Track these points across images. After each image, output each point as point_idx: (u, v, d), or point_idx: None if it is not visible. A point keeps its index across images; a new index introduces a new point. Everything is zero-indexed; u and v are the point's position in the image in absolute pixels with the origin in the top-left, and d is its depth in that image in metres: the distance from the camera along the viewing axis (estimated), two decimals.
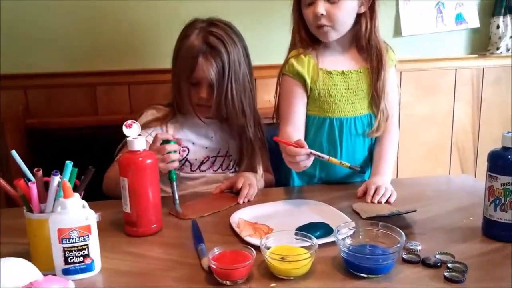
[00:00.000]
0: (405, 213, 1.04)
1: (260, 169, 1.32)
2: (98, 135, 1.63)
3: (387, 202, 1.15)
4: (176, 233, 1.01)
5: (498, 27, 1.87)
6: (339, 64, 1.31)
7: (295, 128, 1.27)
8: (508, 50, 1.92)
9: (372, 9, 1.26)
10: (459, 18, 1.90)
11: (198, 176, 1.34)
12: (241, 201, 1.18)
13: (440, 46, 1.92)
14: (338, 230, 0.86)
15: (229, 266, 0.78)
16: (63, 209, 0.78)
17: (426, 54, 1.91)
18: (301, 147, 1.06)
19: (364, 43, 1.30)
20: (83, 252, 0.81)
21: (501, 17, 1.87)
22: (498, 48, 1.89)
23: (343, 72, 1.30)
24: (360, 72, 1.31)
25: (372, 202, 1.15)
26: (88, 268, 0.82)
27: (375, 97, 1.31)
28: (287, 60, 1.30)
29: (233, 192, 1.23)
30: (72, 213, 0.79)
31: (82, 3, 1.61)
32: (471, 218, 1.05)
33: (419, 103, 1.94)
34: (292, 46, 1.33)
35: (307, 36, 1.29)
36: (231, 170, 1.38)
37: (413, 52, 1.90)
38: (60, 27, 1.62)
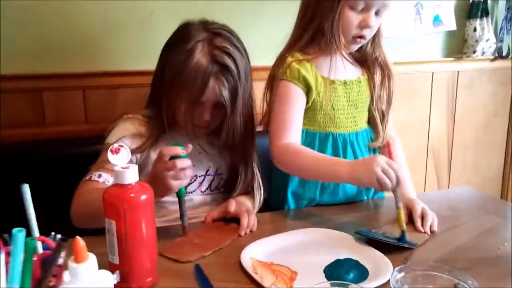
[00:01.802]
0: (407, 246, 0.93)
1: (260, 192, 1.14)
2: (46, 150, 1.36)
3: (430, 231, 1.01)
4: (176, 283, 0.81)
5: (475, 30, 1.84)
6: (339, 72, 1.16)
7: (296, 140, 1.10)
8: (483, 53, 1.89)
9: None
10: (436, 20, 1.84)
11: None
12: (242, 233, 0.99)
13: (417, 49, 1.86)
14: (394, 277, 0.71)
15: None
16: (74, 278, 0.55)
17: (403, 57, 1.83)
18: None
19: (368, 52, 1.19)
20: None
21: (478, 20, 1.84)
22: (474, 51, 1.86)
23: (345, 82, 1.17)
24: (360, 82, 1.19)
25: (425, 231, 1.00)
26: None
27: (379, 107, 1.21)
28: (288, 65, 1.11)
29: (228, 220, 1.05)
30: (86, 283, 0.56)
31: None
32: (506, 244, 0.95)
33: (398, 109, 1.85)
34: (292, 46, 1.16)
35: (312, 39, 1.13)
36: (221, 190, 1.19)
37: (391, 55, 1.80)
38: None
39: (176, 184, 0.90)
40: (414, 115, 1.91)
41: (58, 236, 0.62)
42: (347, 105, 1.16)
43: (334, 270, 0.82)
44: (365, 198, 1.23)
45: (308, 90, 1.12)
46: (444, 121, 1.96)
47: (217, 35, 1.07)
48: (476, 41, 1.84)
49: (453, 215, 1.11)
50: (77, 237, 0.58)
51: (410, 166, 1.92)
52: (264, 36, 1.48)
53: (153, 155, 1.09)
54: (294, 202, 1.19)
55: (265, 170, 1.23)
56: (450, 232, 1.01)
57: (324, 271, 0.83)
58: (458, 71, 1.93)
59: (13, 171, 1.28)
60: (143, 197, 0.76)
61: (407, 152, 1.89)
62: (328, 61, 1.14)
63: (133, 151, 1.03)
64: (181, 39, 1.08)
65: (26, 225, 0.61)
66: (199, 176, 1.16)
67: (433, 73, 1.89)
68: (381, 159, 0.93)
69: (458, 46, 1.91)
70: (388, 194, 1.05)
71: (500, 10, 1.94)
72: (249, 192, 1.17)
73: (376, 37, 1.18)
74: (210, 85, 1.04)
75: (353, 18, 1.07)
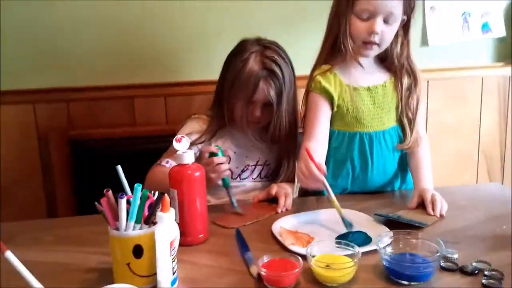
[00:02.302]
0: (417, 226, 1.08)
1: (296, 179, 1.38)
2: (136, 145, 1.72)
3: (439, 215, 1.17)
4: (222, 242, 1.07)
5: None
6: (363, 79, 1.33)
7: (319, 144, 1.29)
8: None
9: (406, 28, 1.29)
10: (485, 27, 1.94)
11: (238, 184, 1.41)
12: (279, 210, 1.23)
13: (466, 54, 1.96)
14: (379, 239, 0.91)
15: (279, 273, 0.84)
16: (161, 223, 0.83)
17: (452, 63, 1.95)
18: (321, 171, 1.10)
19: (394, 60, 1.33)
20: (175, 263, 0.86)
21: None
22: None
23: (368, 88, 1.33)
24: (385, 86, 1.34)
25: (434, 215, 1.16)
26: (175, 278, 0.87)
27: (406, 112, 1.34)
28: (313, 78, 1.33)
29: (269, 200, 1.30)
30: (170, 226, 0.84)
31: (120, 18, 1.70)
32: (504, 227, 1.08)
33: (447, 111, 1.98)
34: (319, 57, 1.36)
35: (332, 49, 1.32)
36: (269, 179, 1.44)
37: (440, 61, 1.94)
38: (98, 41, 1.71)
39: (214, 176, 1.19)
40: (464, 118, 2.00)
41: (157, 192, 0.90)
42: (373, 107, 1.33)
43: (343, 237, 1.02)
44: (393, 188, 1.40)
45: (331, 98, 1.31)
46: (496, 124, 2.03)
47: (267, 48, 1.35)
48: None
49: (469, 204, 1.25)
50: (165, 195, 0.86)
51: (461, 168, 2.05)
52: (309, 50, 1.71)
53: (212, 145, 1.36)
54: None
55: None
56: (457, 217, 1.16)
57: (336, 238, 1.04)
58: (510, 76, 1.99)
59: (111, 161, 1.64)
60: (197, 174, 1.04)
61: (458, 153, 2.01)
62: (351, 69, 1.32)
63: (194, 142, 1.34)
64: (239, 51, 1.37)
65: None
66: (251, 166, 1.43)
67: (482, 78, 1.98)
68: (301, 165, 1.12)
69: (509, 52, 1.97)
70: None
71: None
72: (290, 180, 1.41)
73: (403, 47, 1.32)
74: (260, 86, 1.32)
75: (359, 25, 1.24)
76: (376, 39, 1.23)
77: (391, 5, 1.21)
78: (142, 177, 1.44)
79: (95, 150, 1.68)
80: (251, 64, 1.32)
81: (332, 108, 1.32)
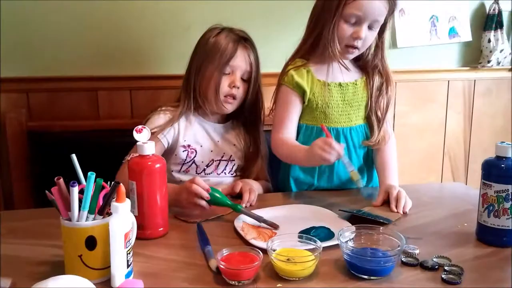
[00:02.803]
0: (382, 222, 1.08)
1: (268, 179, 1.38)
2: (99, 139, 1.66)
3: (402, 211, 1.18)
4: (182, 236, 1.04)
5: (489, 41, 1.94)
6: (335, 76, 1.34)
7: (289, 136, 1.32)
8: (498, 63, 1.99)
9: (381, 30, 1.30)
10: (452, 32, 1.97)
11: (202, 179, 1.37)
12: (243, 206, 1.21)
13: (433, 58, 1.99)
14: (341, 234, 0.90)
15: (237, 267, 0.82)
16: (115, 213, 0.79)
17: (420, 66, 1.97)
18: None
19: (369, 61, 1.35)
20: (130, 255, 0.83)
21: (492, 31, 1.94)
22: (489, 61, 1.96)
23: (340, 84, 1.34)
24: (356, 84, 1.36)
25: (398, 212, 1.16)
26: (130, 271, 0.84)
27: (375, 110, 1.35)
28: (286, 72, 1.33)
29: (233, 197, 1.27)
30: (125, 217, 0.81)
31: (86, 7, 1.64)
32: (465, 224, 1.09)
33: (413, 113, 2.00)
34: (296, 54, 1.36)
35: (311, 47, 1.33)
36: (233, 175, 1.42)
37: (408, 63, 1.96)
38: (63, 31, 1.65)
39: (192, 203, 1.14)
40: (431, 120, 2.03)
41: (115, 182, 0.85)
42: (342, 103, 1.34)
43: (307, 233, 1.01)
44: (354, 187, 1.39)
45: (303, 92, 1.32)
46: (461, 126, 2.07)
47: (233, 28, 1.38)
48: (490, 51, 1.94)
49: (432, 202, 1.26)
50: (120, 184, 0.82)
51: (426, 168, 2.08)
52: (283, 45, 1.70)
53: (181, 135, 1.37)
54: (296, 187, 1.39)
55: (273, 163, 1.46)
56: (420, 213, 1.17)
57: (299, 232, 1.02)
58: (475, 80, 2.03)
59: (68, 154, 1.59)
60: (157, 165, 1.01)
61: (424, 154, 2.04)
62: (325, 67, 1.33)
63: (162, 128, 1.34)
64: (207, 32, 1.38)
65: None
66: (215, 160, 1.40)
67: (449, 81, 2.01)
68: (319, 140, 1.15)
69: (475, 56, 2.01)
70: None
71: None
72: (259, 178, 1.41)
73: (378, 49, 1.34)
74: (239, 51, 1.34)
75: (346, 29, 1.25)
76: (359, 44, 1.26)
77: (378, 13, 1.23)
78: (105, 171, 1.39)
79: (55, 142, 1.61)
80: (225, 36, 1.34)
81: (303, 102, 1.33)
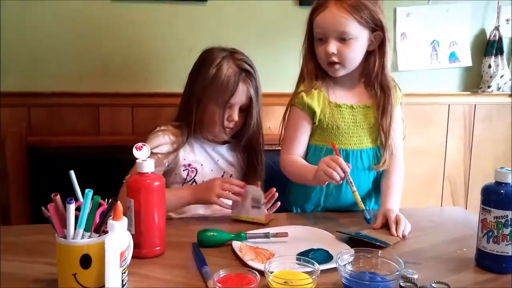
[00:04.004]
0: (380, 244, 1.07)
1: None
2: (99, 155, 1.66)
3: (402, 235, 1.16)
4: (179, 256, 1.03)
5: (489, 66, 1.96)
6: (348, 98, 1.35)
7: (298, 156, 1.34)
8: (498, 88, 2.00)
9: (382, 47, 1.31)
10: (452, 57, 1.99)
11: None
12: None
13: (434, 82, 2.00)
14: (339, 257, 0.89)
15: None
16: (112, 231, 0.78)
17: (421, 90, 1.98)
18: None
19: (372, 79, 1.34)
20: (125, 275, 0.82)
21: (493, 57, 1.95)
22: (489, 87, 1.97)
23: (352, 106, 1.35)
24: (368, 107, 1.36)
25: (397, 235, 1.15)
26: None
27: (381, 132, 1.34)
28: (297, 93, 1.34)
29: None
30: (122, 236, 0.80)
31: (89, 24, 1.66)
32: (465, 249, 1.08)
33: (413, 136, 1.99)
34: (301, 78, 1.38)
35: (316, 69, 1.34)
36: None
37: (409, 87, 1.96)
38: (65, 46, 1.66)
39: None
40: (431, 143, 2.03)
41: (113, 199, 0.84)
42: (353, 125, 1.34)
43: (304, 254, 1.00)
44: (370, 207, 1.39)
45: (313, 113, 1.32)
46: (461, 151, 2.07)
47: (234, 52, 1.39)
48: (491, 77, 1.96)
49: (431, 226, 1.25)
50: (118, 202, 0.81)
51: (426, 192, 2.07)
52: (283, 65, 1.72)
53: (181, 155, 1.37)
54: (302, 207, 1.40)
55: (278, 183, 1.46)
56: (419, 238, 1.16)
57: (298, 255, 1.01)
58: (475, 104, 2.04)
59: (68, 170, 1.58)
60: (156, 183, 1.00)
61: (423, 178, 2.03)
62: (335, 87, 1.35)
63: (166, 156, 1.34)
64: (207, 59, 1.38)
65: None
66: None
67: (449, 105, 2.02)
68: (326, 158, 1.17)
69: (475, 81, 2.02)
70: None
71: None
72: None
73: (379, 63, 1.32)
74: (240, 88, 1.34)
75: (319, 48, 1.30)
76: (334, 59, 1.27)
77: (339, 25, 1.25)
78: (104, 188, 1.38)
79: (54, 158, 1.61)
80: (226, 68, 1.34)
81: (313, 123, 1.34)
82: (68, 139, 1.67)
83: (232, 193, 1.24)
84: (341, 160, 1.15)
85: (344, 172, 1.15)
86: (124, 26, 1.69)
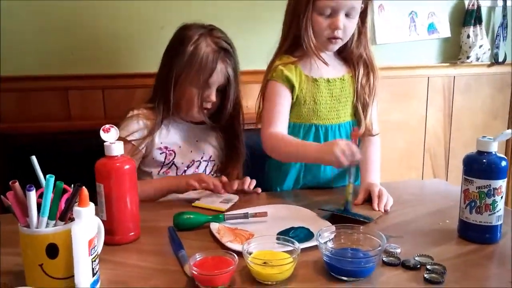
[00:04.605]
0: (362, 220, 1.05)
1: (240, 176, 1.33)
2: (71, 141, 1.59)
3: (384, 210, 1.14)
4: (154, 241, 0.99)
5: (468, 36, 1.94)
6: (323, 71, 1.31)
7: (282, 129, 1.26)
8: (477, 59, 1.98)
9: (363, 17, 1.28)
10: (431, 28, 1.96)
11: None
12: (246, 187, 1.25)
13: (413, 54, 1.97)
14: (319, 234, 0.86)
15: (211, 272, 0.77)
16: (78, 218, 0.73)
17: (399, 62, 1.96)
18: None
19: (353, 51, 1.31)
20: (96, 263, 0.77)
21: (471, 27, 1.94)
22: (468, 57, 1.96)
23: (328, 80, 1.31)
24: (343, 79, 1.33)
25: (379, 210, 1.13)
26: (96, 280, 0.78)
27: (362, 99, 1.32)
28: (274, 67, 1.29)
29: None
30: (89, 222, 0.75)
31: (56, 4, 1.58)
32: (447, 221, 1.07)
33: (393, 109, 1.98)
34: (280, 50, 1.32)
35: (293, 43, 1.29)
36: (213, 176, 1.38)
37: (387, 60, 1.94)
38: (31, 28, 1.58)
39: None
40: (410, 116, 2.02)
41: (78, 184, 0.79)
42: (330, 99, 1.31)
43: (285, 234, 0.97)
44: (344, 183, 1.36)
45: (292, 87, 1.27)
46: (441, 122, 2.06)
47: (213, 29, 1.32)
48: (470, 47, 1.94)
49: (413, 199, 1.24)
50: (83, 187, 0.76)
51: (406, 165, 2.07)
52: (259, 43, 1.66)
53: (157, 138, 1.32)
54: (281, 184, 1.36)
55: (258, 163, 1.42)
56: (401, 211, 1.14)
57: (278, 234, 0.98)
58: (454, 76, 2.03)
59: (43, 158, 1.52)
60: (126, 166, 0.95)
61: (404, 150, 2.02)
62: (311, 61, 1.29)
63: (142, 142, 1.29)
64: (184, 36, 1.31)
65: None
66: (196, 161, 1.37)
67: (428, 77, 2.00)
68: (342, 142, 1.08)
69: (454, 52, 2.01)
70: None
71: (497, 17, 2.02)
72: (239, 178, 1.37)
73: (361, 36, 1.31)
74: (218, 67, 1.28)
75: (322, 22, 1.22)
76: (340, 34, 1.23)
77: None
78: (77, 175, 1.33)
79: (25, 145, 1.54)
80: (204, 47, 1.28)
81: (292, 98, 1.29)
82: (38, 125, 1.60)
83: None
84: (357, 150, 1.07)
85: (353, 163, 1.08)
86: (91, 5, 1.61)
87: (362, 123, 1.33)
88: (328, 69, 1.32)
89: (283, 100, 1.28)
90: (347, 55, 1.34)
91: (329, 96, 1.31)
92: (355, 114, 1.36)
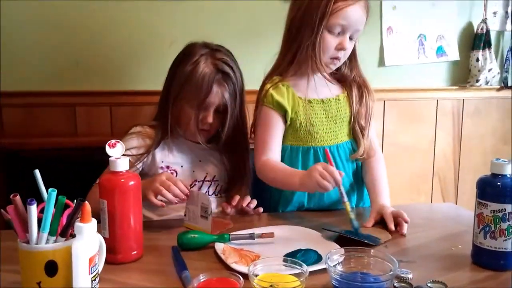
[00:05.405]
0: (368, 242, 1.02)
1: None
2: (77, 157, 1.58)
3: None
4: (157, 260, 0.96)
5: (477, 60, 1.93)
6: (316, 92, 1.29)
7: (274, 156, 1.25)
8: (487, 82, 1.97)
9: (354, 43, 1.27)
10: (440, 51, 1.95)
11: None
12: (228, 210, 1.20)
13: (422, 77, 1.96)
14: (329, 257, 0.83)
15: None
16: (79, 235, 0.72)
17: (408, 84, 1.94)
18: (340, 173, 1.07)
19: (346, 73, 1.31)
20: (96, 282, 0.75)
21: (480, 51, 1.93)
22: (477, 81, 1.94)
23: (322, 101, 1.30)
24: (339, 99, 1.31)
25: (401, 233, 1.10)
26: None
27: (359, 122, 1.31)
28: (265, 92, 1.27)
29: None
30: (91, 239, 0.73)
31: (64, 20, 1.59)
32: (460, 246, 1.03)
33: (402, 132, 1.96)
34: (276, 70, 1.31)
35: (290, 62, 1.27)
36: (217, 196, 1.35)
37: (396, 82, 1.93)
38: (40, 44, 1.59)
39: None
40: (420, 139, 2.00)
41: (79, 199, 0.77)
42: (326, 121, 1.29)
43: (291, 255, 0.94)
44: (351, 205, 1.33)
45: (284, 112, 1.26)
46: (450, 146, 2.04)
47: (217, 51, 1.29)
48: (479, 71, 1.93)
49: (423, 223, 1.20)
50: (86, 202, 0.74)
51: (415, 188, 2.03)
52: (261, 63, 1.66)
53: (158, 156, 1.30)
54: (284, 207, 1.33)
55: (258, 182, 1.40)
56: (412, 235, 1.10)
57: (284, 255, 0.95)
58: (464, 99, 2.01)
59: (49, 174, 1.50)
60: (131, 183, 0.93)
61: (413, 174, 1.99)
62: (305, 82, 1.27)
63: (138, 158, 1.26)
64: (187, 55, 1.29)
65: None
66: (198, 181, 1.33)
67: (437, 100, 1.99)
68: (319, 165, 1.08)
69: (463, 75, 1.99)
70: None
71: (506, 41, 2.02)
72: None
73: (352, 59, 1.31)
74: (214, 89, 1.24)
75: (331, 40, 1.21)
76: (341, 54, 1.23)
77: (360, 22, 1.21)
78: (82, 191, 1.32)
79: (29, 161, 1.52)
80: (202, 67, 1.25)
81: (285, 122, 1.27)
82: (44, 141, 1.58)
83: (172, 195, 1.09)
84: (335, 170, 1.07)
85: (337, 184, 1.07)
86: (99, 22, 1.61)
87: (361, 144, 1.31)
88: (323, 89, 1.30)
89: (275, 127, 1.27)
90: (340, 77, 1.34)
91: (325, 117, 1.29)
92: (353, 134, 1.33)
